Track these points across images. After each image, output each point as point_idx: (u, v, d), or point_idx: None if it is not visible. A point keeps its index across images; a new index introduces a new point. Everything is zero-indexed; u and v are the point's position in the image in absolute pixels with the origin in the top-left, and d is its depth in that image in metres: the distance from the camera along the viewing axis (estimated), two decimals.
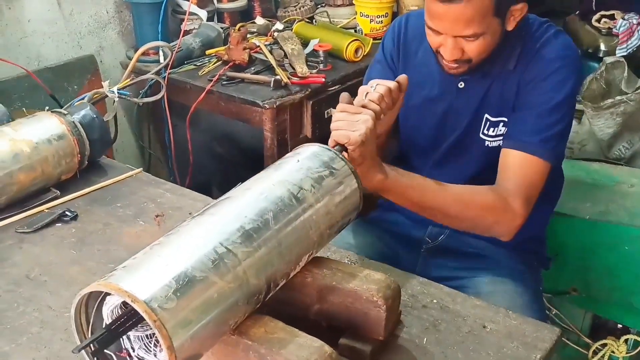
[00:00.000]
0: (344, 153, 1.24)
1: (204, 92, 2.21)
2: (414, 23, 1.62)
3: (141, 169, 1.70)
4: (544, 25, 1.53)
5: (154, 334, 0.90)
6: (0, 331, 1.15)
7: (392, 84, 1.35)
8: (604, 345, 2.02)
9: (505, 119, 1.53)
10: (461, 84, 1.56)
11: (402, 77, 1.38)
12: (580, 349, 2.07)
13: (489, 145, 1.55)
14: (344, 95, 1.34)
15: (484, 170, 1.54)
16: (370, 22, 2.63)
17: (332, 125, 1.28)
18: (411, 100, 1.44)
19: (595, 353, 2.03)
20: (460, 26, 1.38)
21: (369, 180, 1.32)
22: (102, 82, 1.78)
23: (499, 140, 1.53)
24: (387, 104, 1.34)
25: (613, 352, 2.01)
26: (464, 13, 1.36)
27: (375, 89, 1.34)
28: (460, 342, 1.12)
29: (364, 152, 1.27)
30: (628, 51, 2.94)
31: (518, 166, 1.47)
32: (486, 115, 1.54)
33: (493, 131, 1.54)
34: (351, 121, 1.26)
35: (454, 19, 1.37)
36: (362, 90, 1.37)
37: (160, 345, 0.86)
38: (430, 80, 1.60)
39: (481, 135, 1.56)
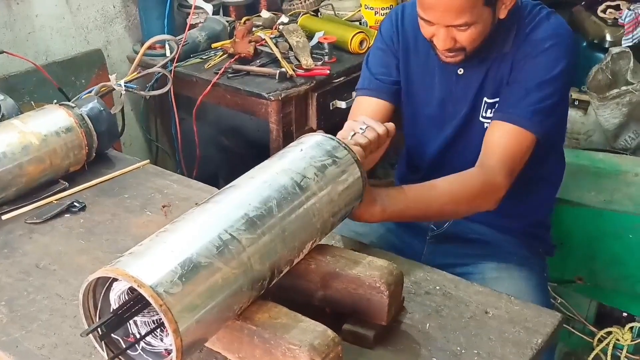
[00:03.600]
0: None
1: (210, 85, 2.23)
2: (410, 12, 1.63)
3: (148, 160, 1.72)
4: (537, 8, 1.54)
5: (160, 319, 0.91)
6: (11, 318, 1.17)
7: (381, 129, 1.35)
8: (609, 333, 2.03)
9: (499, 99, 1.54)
10: (460, 71, 1.57)
11: (391, 125, 1.39)
12: (586, 337, 2.08)
13: (487, 127, 1.56)
14: None
15: None
16: (375, 14, 2.63)
17: None
18: (411, 88, 1.45)
19: (600, 341, 2.04)
20: (451, 16, 1.39)
21: (369, 216, 1.30)
22: (109, 76, 1.80)
23: None
24: (373, 149, 1.34)
25: (618, 340, 2.02)
26: (455, 3, 1.37)
27: (364, 132, 1.34)
28: (462, 327, 1.13)
29: None
30: (634, 41, 2.93)
31: (502, 137, 1.47)
32: (485, 98, 1.56)
33: (490, 112, 1.55)
34: None
35: (445, 9, 1.39)
36: (348, 126, 1.37)
37: (166, 330, 0.88)
38: (429, 68, 1.61)
39: (480, 119, 1.57)
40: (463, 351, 1.08)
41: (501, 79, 1.53)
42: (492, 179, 1.45)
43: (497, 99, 1.54)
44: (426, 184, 1.43)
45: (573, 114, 2.80)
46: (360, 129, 1.35)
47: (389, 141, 1.40)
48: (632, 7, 2.98)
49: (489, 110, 1.56)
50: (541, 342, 1.09)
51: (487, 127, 1.56)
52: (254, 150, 2.54)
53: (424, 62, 1.61)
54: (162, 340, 0.96)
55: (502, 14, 1.47)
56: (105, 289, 0.95)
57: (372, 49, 1.73)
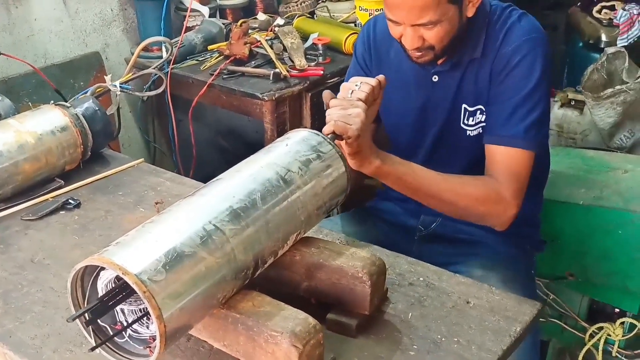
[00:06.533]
0: (341, 142, 1.30)
1: (206, 86, 2.26)
2: (382, 25, 1.65)
3: (143, 159, 1.75)
4: (507, 10, 1.55)
5: (146, 307, 0.94)
6: (6, 310, 1.21)
7: (373, 81, 1.39)
8: (601, 328, 2.04)
9: (482, 107, 1.56)
10: (435, 78, 1.60)
11: (382, 77, 1.42)
12: (578, 333, 2.10)
13: (470, 134, 1.59)
14: (327, 93, 1.38)
15: (474, 166, 1.57)
16: (370, 15, 2.66)
17: (327, 118, 1.33)
18: (389, 99, 1.49)
19: (591, 337, 2.06)
20: (415, 14, 1.42)
21: (367, 167, 1.38)
22: (105, 77, 1.83)
23: (479, 128, 1.57)
24: (371, 101, 1.39)
25: (609, 335, 2.03)
26: (418, 2, 1.40)
27: (360, 87, 1.38)
28: (444, 316, 1.16)
29: (360, 143, 1.33)
30: (629, 41, 2.96)
31: (504, 161, 1.51)
32: (464, 106, 1.58)
33: (472, 120, 1.58)
34: (345, 114, 1.31)
35: (409, 7, 1.41)
36: (345, 87, 1.41)
37: (151, 317, 0.91)
38: (404, 79, 1.63)
39: (462, 125, 1.60)
40: (443, 339, 1.11)
41: (481, 88, 1.55)
42: (498, 189, 1.48)
43: (479, 107, 1.56)
44: (432, 170, 1.47)
45: (569, 113, 2.82)
46: (356, 85, 1.38)
47: (382, 93, 1.42)
48: (627, 8, 3.00)
49: (471, 118, 1.59)
50: (520, 330, 1.12)
51: (469, 134, 1.59)
52: (250, 151, 2.55)
53: (399, 74, 1.63)
54: (148, 327, 0.99)
55: (470, 12, 1.49)
56: (92, 278, 0.98)
57: (349, 68, 1.77)
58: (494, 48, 1.52)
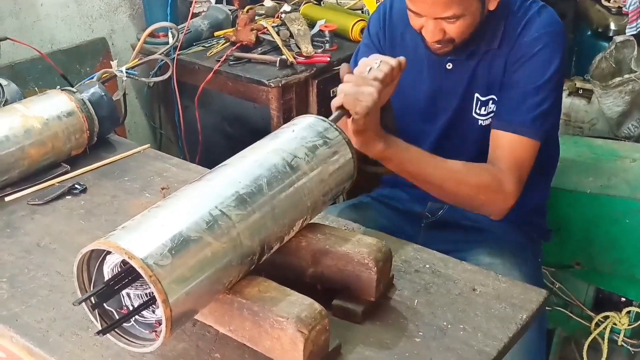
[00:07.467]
0: (345, 118, 1.29)
1: (212, 73, 2.26)
2: (398, 6, 1.64)
3: (149, 145, 1.75)
4: (527, 2, 1.54)
5: (152, 292, 0.94)
6: (12, 294, 1.21)
7: (394, 62, 1.37)
8: (607, 317, 2.04)
9: (495, 97, 1.55)
10: (449, 65, 1.58)
11: (402, 59, 1.41)
12: (583, 322, 2.10)
13: (482, 124, 1.58)
14: (345, 66, 1.37)
15: (483, 155, 1.56)
16: (377, 2, 2.65)
17: (339, 90, 1.31)
18: (400, 83, 1.48)
19: (597, 325, 2.06)
20: (439, 8, 1.41)
21: (370, 149, 1.37)
22: (111, 62, 1.83)
23: (490, 118, 1.56)
24: (387, 82, 1.38)
25: (615, 324, 2.03)
26: None
27: (379, 66, 1.36)
28: (450, 303, 1.16)
29: (367, 123, 1.31)
30: (638, 30, 2.93)
31: (508, 147, 1.50)
32: (476, 95, 1.57)
33: (484, 110, 1.57)
34: (358, 91, 1.29)
35: (433, 1, 1.40)
36: (364, 62, 1.39)
37: (157, 302, 0.91)
38: (418, 63, 1.62)
39: (474, 115, 1.59)
40: (449, 326, 1.10)
41: (494, 78, 1.54)
42: (500, 177, 1.47)
43: (491, 97, 1.56)
44: (436, 155, 1.46)
45: (577, 102, 2.81)
46: (375, 63, 1.36)
47: (400, 75, 1.41)
48: None
49: (483, 108, 1.58)
50: (526, 317, 1.11)
51: (481, 124, 1.58)
52: (256, 138, 2.55)
53: (412, 57, 1.60)
54: (154, 312, 0.99)
55: (492, 5, 1.48)
56: (99, 262, 0.98)
57: (360, 45, 1.75)
58: (512, 39, 1.51)
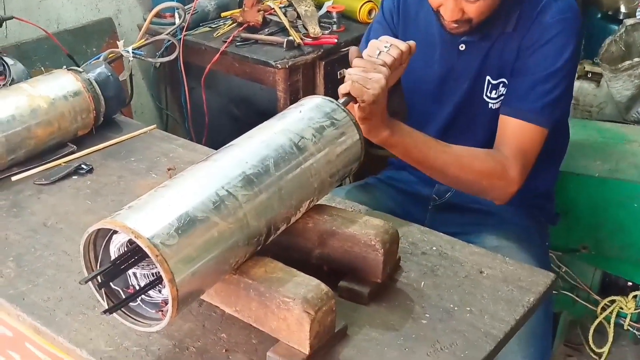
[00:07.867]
0: (353, 104, 1.28)
1: (219, 53, 2.25)
2: None
3: (155, 125, 1.75)
4: None
5: (159, 272, 0.94)
6: (19, 273, 1.21)
7: (404, 46, 1.36)
8: (613, 301, 2.04)
9: (505, 80, 1.54)
10: (462, 47, 1.57)
11: (412, 43, 1.40)
12: (590, 306, 2.09)
13: (492, 107, 1.57)
14: (354, 50, 1.36)
15: (492, 139, 1.55)
16: None
17: (347, 77, 1.30)
18: (411, 62, 1.46)
19: (603, 310, 2.05)
20: None
21: (375, 135, 1.36)
22: (117, 42, 1.82)
23: (500, 101, 1.55)
24: (396, 66, 1.37)
25: (621, 308, 2.03)
26: None
27: (389, 50, 1.35)
28: (456, 285, 1.15)
29: (373, 110, 1.30)
30: None
31: (516, 133, 1.49)
32: (488, 78, 1.56)
33: (495, 93, 1.56)
34: (366, 78, 1.28)
35: None
36: (373, 45, 1.38)
37: (163, 281, 0.91)
38: (431, 43, 1.60)
39: (485, 98, 1.57)
40: (456, 308, 1.10)
41: (507, 61, 1.53)
42: (504, 164, 1.47)
43: (502, 80, 1.54)
44: (441, 141, 1.45)
45: (585, 85, 2.79)
46: (385, 47, 1.35)
47: (409, 59, 1.40)
48: None
49: (494, 91, 1.56)
50: (533, 300, 1.11)
51: (491, 107, 1.57)
52: (262, 120, 2.54)
53: (425, 38, 1.60)
54: (160, 291, 0.99)
55: None
56: (105, 241, 0.98)
57: (373, 23, 1.74)
58: (527, 23, 1.49)
